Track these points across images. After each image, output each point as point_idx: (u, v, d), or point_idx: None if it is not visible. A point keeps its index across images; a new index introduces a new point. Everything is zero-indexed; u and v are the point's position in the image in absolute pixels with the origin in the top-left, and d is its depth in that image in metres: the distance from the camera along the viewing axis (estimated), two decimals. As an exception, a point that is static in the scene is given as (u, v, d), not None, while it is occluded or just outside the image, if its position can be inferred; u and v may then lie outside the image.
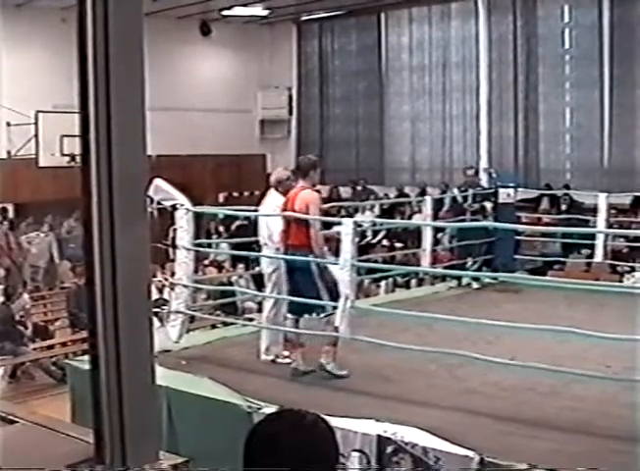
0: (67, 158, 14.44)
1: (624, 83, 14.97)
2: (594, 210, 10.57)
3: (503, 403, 5.75)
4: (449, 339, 6.61)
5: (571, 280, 9.47)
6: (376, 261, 11.48)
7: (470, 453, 4.79)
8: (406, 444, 5.01)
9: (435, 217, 11.18)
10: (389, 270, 11.28)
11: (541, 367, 5.65)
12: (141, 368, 2.84)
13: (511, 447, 4.96)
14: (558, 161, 16.07)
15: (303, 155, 8.24)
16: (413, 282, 12.97)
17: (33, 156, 15.08)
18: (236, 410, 5.72)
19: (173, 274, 8.32)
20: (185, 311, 7.37)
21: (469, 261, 10.33)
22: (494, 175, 12.49)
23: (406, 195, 16.97)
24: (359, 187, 17.91)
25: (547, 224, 13.54)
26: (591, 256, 10.86)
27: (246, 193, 18.29)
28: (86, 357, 3.40)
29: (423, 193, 15.96)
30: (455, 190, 11.33)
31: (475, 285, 10.21)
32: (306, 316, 6.57)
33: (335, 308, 6.30)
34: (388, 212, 16.41)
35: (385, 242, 15.69)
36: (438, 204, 11.93)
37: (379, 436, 5.13)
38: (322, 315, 6.42)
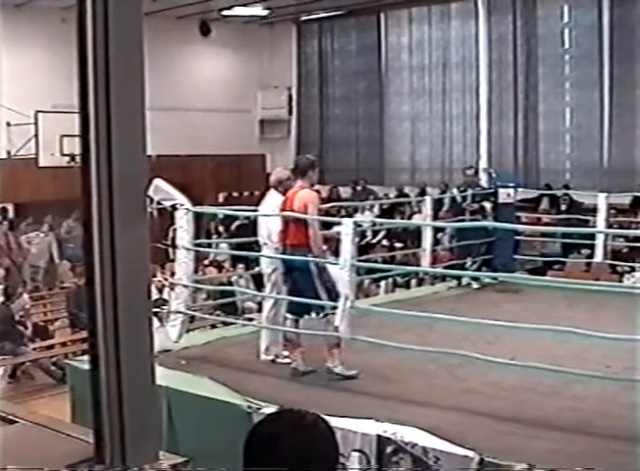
0: (67, 158, 14.46)
1: (624, 83, 14.96)
2: (594, 210, 10.56)
3: (503, 403, 5.75)
4: (449, 339, 6.61)
5: (571, 280, 9.48)
6: (376, 261, 11.47)
7: (470, 453, 4.79)
8: (406, 444, 5.01)
9: (435, 217, 11.17)
10: (389, 270, 11.26)
11: (541, 367, 5.65)
12: (141, 368, 2.84)
13: (511, 447, 4.95)
14: (557, 161, 16.07)
15: (302, 155, 8.24)
16: (413, 282, 12.97)
17: (33, 156, 15.10)
18: (236, 410, 5.72)
19: (173, 274, 8.33)
20: (184, 311, 7.37)
21: (469, 261, 10.33)
22: (493, 175, 12.49)
23: (406, 195, 16.97)
24: (359, 187, 17.91)
25: (547, 224, 13.53)
26: (591, 256, 10.85)
27: (246, 193, 18.29)
28: (86, 357, 3.39)
29: (423, 193, 15.97)
30: (455, 190, 11.31)
31: (475, 285, 10.21)
32: (306, 316, 6.57)
33: (334, 308, 6.30)
34: (388, 212, 16.40)
35: (385, 242, 15.68)
36: (438, 204, 11.91)
37: (379, 436, 5.13)
38: (321, 315, 6.42)
